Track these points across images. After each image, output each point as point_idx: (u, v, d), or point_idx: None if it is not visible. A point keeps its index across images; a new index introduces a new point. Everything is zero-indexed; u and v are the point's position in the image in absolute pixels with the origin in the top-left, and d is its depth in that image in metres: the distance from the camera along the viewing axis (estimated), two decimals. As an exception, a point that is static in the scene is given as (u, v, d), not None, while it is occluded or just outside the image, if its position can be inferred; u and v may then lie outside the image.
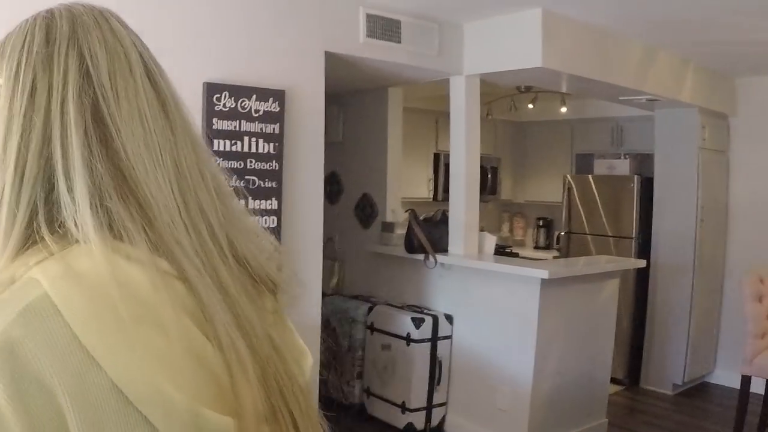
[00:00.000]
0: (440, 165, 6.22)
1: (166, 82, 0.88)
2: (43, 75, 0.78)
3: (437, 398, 4.64)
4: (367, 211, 5.44)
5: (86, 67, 0.80)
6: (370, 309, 4.93)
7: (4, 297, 0.69)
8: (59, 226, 0.74)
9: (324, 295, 5.31)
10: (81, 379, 0.65)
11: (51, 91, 0.78)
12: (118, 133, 0.78)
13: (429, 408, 4.62)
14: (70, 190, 0.74)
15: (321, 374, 5.13)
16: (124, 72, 0.82)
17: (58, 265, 0.70)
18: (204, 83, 3.45)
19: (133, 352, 0.67)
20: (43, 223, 0.74)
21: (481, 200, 4.99)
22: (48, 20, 0.82)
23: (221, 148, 3.49)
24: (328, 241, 5.60)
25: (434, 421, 4.66)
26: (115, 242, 0.73)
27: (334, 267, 5.68)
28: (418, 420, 4.60)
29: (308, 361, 0.92)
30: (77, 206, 0.73)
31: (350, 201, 5.61)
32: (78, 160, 0.75)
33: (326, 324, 5.16)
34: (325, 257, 5.52)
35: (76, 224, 0.73)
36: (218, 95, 3.46)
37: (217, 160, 0.99)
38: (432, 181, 6.26)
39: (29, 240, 0.74)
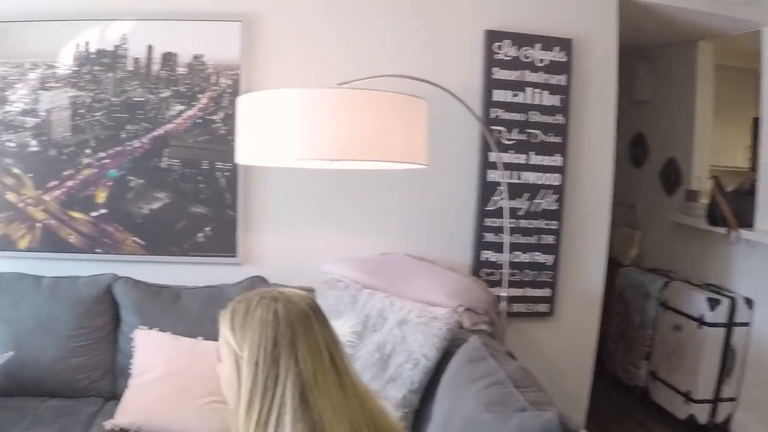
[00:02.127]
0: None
1: (340, 354, 1.44)
2: (272, 369, 1.34)
3: (726, 392, 4.17)
4: (672, 177, 5.03)
5: (299, 368, 1.34)
6: (666, 284, 4.57)
7: None
8: None
9: (621, 265, 5.14)
10: None
11: (277, 380, 1.33)
12: (316, 407, 1.33)
13: (715, 401, 4.18)
14: None
15: (609, 349, 4.93)
16: (320, 367, 1.37)
17: None
18: (484, 31, 3.45)
19: None
20: None
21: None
22: (275, 325, 1.37)
23: (501, 99, 3.48)
24: (630, 208, 5.35)
25: (719, 417, 4.20)
26: None
27: (633, 236, 5.37)
28: (702, 413, 4.19)
29: None
30: None
31: (655, 165, 5.23)
32: (288, 425, 1.30)
33: (620, 296, 4.99)
34: (625, 225, 5.30)
35: None
36: (499, 43, 3.44)
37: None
38: (750, 149, 5.60)
39: None
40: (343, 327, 2.81)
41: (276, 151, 2.43)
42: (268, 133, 2.41)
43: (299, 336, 1.38)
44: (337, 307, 2.98)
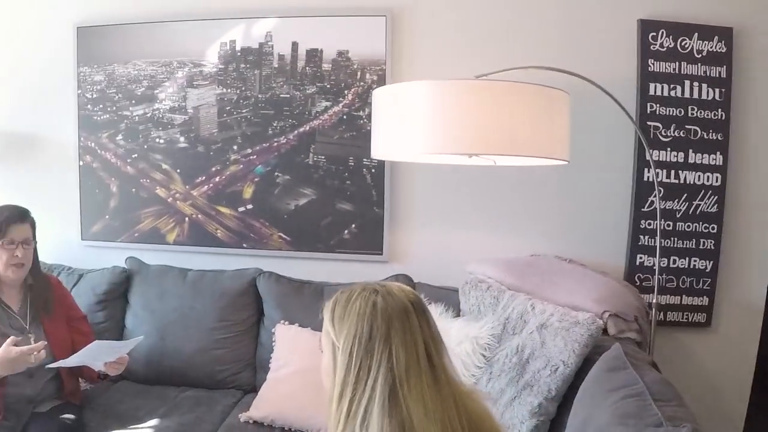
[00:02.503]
0: None
1: (438, 351, 1.41)
2: (365, 361, 1.34)
3: None
4: None
5: (392, 363, 1.33)
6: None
7: None
8: None
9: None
10: None
11: (369, 373, 1.33)
12: (407, 408, 1.31)
13: None
14: (365, 429, 1.31)
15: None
16: (414, 363, 1.35)
17: None
18: (638, 20, 3.27)
19: None
20: None
21: None
22: (372, 317, 1.37)
23: (657, 93, 3.28)
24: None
25: None
26: None
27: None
28: None
29: None
30: None
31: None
32: (375, 419, 1.30)
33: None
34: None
35: None
36: (654, 33, 3.24)
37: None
38: None
39: None
40: (482, 329, 2.72)
41: (408, 144, 2.37)
42: (402, 127, 2.36)
43: (395, 330, 1.37)
44: (478, 309, 2.90)
